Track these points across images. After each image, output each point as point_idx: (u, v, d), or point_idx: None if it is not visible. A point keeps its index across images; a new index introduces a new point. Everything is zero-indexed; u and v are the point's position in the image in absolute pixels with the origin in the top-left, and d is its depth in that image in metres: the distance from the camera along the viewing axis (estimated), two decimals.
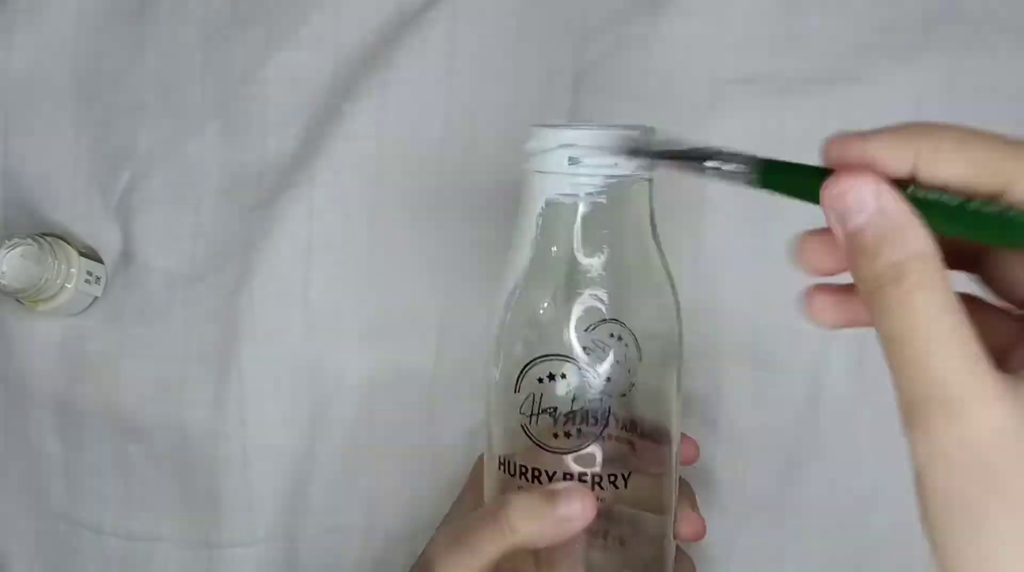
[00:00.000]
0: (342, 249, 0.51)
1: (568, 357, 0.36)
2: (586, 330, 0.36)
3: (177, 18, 0.52)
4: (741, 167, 0.28)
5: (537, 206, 0.37)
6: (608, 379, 0.36)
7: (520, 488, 0.37)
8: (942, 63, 0.48)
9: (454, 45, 0.50)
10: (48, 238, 0.50)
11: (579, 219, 0.36)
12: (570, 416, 0.37)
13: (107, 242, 0.53)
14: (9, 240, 0.48)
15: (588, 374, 0.36)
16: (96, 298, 0.52)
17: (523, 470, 0.37)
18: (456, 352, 0.50)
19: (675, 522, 0.39)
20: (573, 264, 0.37)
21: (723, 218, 0.49)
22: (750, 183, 0.28)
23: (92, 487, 0.53)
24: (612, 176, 0.36)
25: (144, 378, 0.52)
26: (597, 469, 0.37)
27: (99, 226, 0.53)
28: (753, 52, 0.49)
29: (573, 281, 0.37)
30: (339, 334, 0.51)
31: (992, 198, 0.24)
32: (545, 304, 0.37)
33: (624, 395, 0.37)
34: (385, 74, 0.50)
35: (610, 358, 0.36)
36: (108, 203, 0.53)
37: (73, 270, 0.50)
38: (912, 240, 0.24)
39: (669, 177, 0.50)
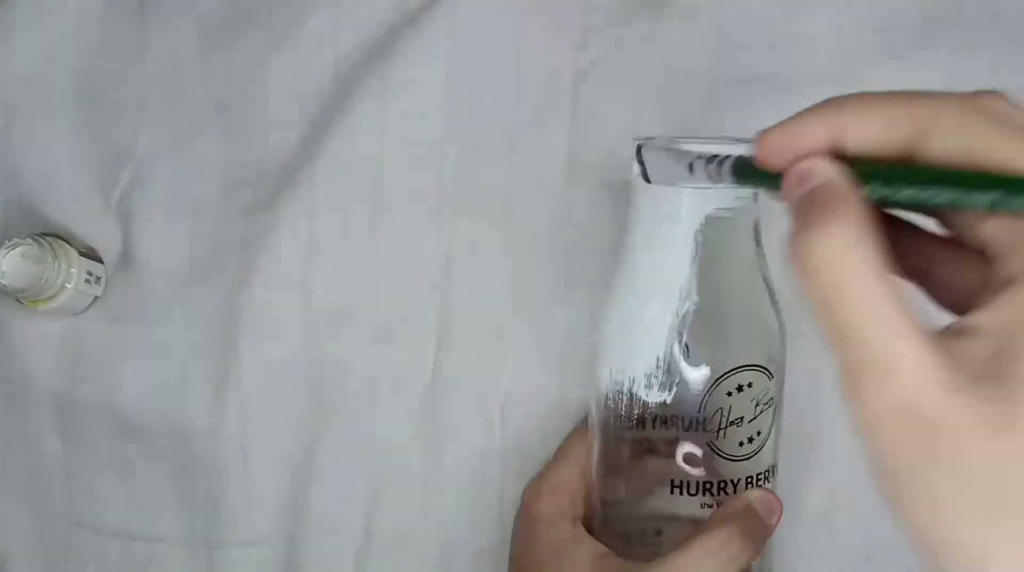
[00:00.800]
0: (342, 249, 0.51)
1: (758, 366, 0.38)
2: (764, 338, 0.38)
3: (177, 18, 0.52)
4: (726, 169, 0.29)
5: (694, 223, 0.37)
6: (779, 385, 0.39)
7: (705, 505, 0.39)
8: (942, 63, 0.48)
9: (454, 45, 0.50)
10: (48, 238, 0.50)
11: (750, 231, 0.38)
12: (752, 421, 0.38)
13: (107, 242, 0.53)
14: (9, 240, 0.48)
15: (770, 381, 0.38)
16: (96, 298, 0.52)
17: (707, 486, 0.38)
18: (456, 352, 0.50)
19: None
20: (743, 276, 0.38)
21: None
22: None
23: (92, 487, 0.53)
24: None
25: (144, 378, 0.52)
26: (763, 469, 0.39)
27: (99, 226, 0.53)
28: (753, 52, 0.49)
29: (745, 292, 0.38)
30: (339, 334, 0.51)
31: (910, 153, 0.24)
32: (722, 318, 0.38)
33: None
34: (385, 74, 0.50)
35: (781, 363, 0.39)
36: (108, 203, 0.53)
37: (73, 270, 0.50)
38: (842, 207, 0.23)
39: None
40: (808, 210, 0.24)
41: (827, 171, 0.25)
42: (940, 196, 0.23)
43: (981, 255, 0.25)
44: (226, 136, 0.52)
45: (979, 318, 0.23)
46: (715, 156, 0.29)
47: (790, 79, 0.49)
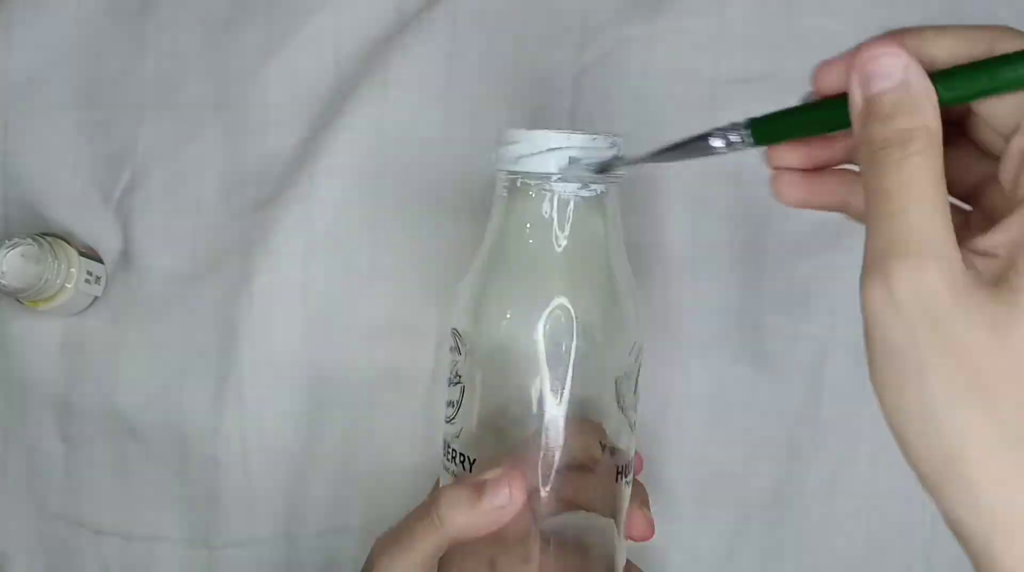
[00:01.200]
0: (342, 249, 0.51)
1: (457, 348, 0.39)
2: (464, 310, 0.39)
3: (177, 18, 0.52)
4: (740, 133, 0.31)
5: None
6: (493, 370, 0.38)
7: (444, 468, 0.39)
8: None
9: (454, 45, 0.50)
10: (48, 238, 0.50)
11: (502, 216, 0.39)
12: (450, 387, 0.39)
13: (107, 242, 0.53)
14: (9, 240, 0.48)
15: (458, 355, 0.38)
16: (96, 298, 0.52)
17: (445, 450, 0.40)
18: None
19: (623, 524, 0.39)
20: (492, 257, 0.39)
21: (720, 218, 0.49)
22: (752, 143, 0.31)
23: (92, 487, 0.53)
24: (530, 173, 0.38)
25: (144, 378, 0.52)
26: (454, 449, 0.39)
27: (99, 226, 0.53)
28: (753, 52, 0.49)
29: (491, 266, 0.39)
30: (339, 334, 0.51)
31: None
32: (466, 295, 0.40)
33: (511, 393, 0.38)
34: (385, 74, 0.50)
35: (500, 352, 0.37)
36: (108, 203, 0.53)
37: (73, 270, 0.50)
38: (925, 113, 0.26)
39: (671, 179, 0.50)
40: (898, 110, 0.26)
41: (918, 79, 0.27)
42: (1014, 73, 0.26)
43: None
44: (226, 136, 0.52)
45: (990, 240, 0.26)
46: (730, 126, 0.31)
47: (790, 79, 0.48)
